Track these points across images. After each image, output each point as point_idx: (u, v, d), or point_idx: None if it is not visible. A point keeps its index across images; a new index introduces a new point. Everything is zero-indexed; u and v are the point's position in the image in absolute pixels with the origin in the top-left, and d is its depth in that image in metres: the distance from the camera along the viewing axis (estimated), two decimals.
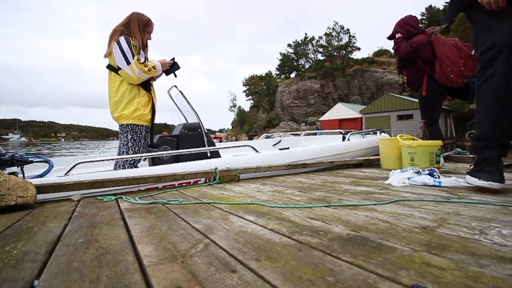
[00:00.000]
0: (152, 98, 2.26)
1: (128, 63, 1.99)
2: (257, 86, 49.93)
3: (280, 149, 2.48)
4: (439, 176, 1.58)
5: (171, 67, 2.40)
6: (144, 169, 1.86)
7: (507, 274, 0.49)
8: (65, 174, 1.61)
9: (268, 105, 43.93)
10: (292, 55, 48.85)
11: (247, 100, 53.56)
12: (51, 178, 1.57)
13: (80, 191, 1.48)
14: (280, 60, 50.40)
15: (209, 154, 2.46)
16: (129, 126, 2.15)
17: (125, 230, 0.85)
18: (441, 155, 2.29)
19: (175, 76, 2.47)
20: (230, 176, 1.86)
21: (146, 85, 2.22)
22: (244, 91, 53.25)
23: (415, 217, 0.88)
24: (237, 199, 1.28)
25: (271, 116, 41.24)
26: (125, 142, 2.17)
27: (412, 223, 0.82)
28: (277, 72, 51.01)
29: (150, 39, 2.29)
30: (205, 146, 2.54)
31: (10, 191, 1.17)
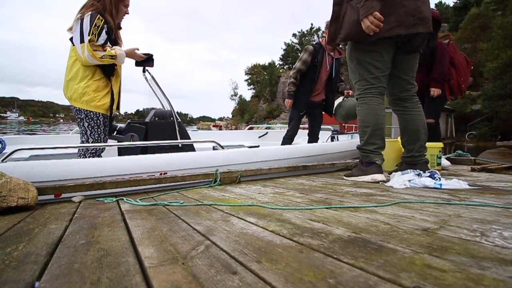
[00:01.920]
0: (111, 85, 2.04)
1: (82, 41, 1.81)
2: (260, 75, 49.50)
3: (249, 147, 2.37)
4: (440, 178, 1.58)
5: (145, 61, 2.27)
6: (108, 159, 1.74)
7: (508, 276, 0.49)
8: (2, 161, 1.51)
9: (270, 95, 43.58)
10: (297, 45, 48.37)
11: (248, 89, 53.33)
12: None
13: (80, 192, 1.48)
14: (284, 50, 49.93)
15: (179, 139, 2.33)
16: (83, 112, 1.96)
17: (126, 232, 0.85)
18: (442, 157, 2.29)
19: (144, 71, 2.33)
20: (231, 178, 1.86)
21: (107, 70, 2.00)
22: (246, 80, 52.89)
23: (416, 219, 0.88)
24: (238, 200, 1.28)
25: (272, 106, 41.04)
26: (83, 131, 2.00)
27: (413, 225, 0.82)
28: (280, 62, 50.49)
29: (127, 13, 2.09)
30: (176, 136, 2.43)
31: (11, 192, 1.17)
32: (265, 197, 1.34)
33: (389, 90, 1.93)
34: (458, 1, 33.72)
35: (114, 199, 1.40)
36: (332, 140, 3.35)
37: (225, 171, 1.85)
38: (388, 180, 1.71)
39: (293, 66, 3.22)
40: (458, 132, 21.81)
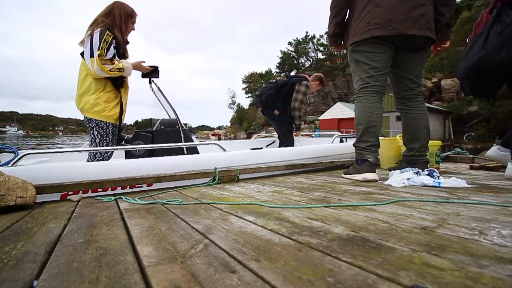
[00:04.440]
0: (120, 96, 2.16)
1: (92, 56, 1.92)
2: (257, 83, 49.94)
3: (252, 149, 2.40)
4: (438, 176, 1.58)
5: (151, 73, 2.35)
6: (113, 162, 1.80)
7: (506, 274, 0.49)
8: (12, 165, 1.57)
9: None
10: (293, 53, 48.98)
11: (246, 97, 53.62)
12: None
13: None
14: (280, 58, 50.49)
15: (185, 152, 2.38)
16: (94, 122, 2.06)
17: (125, 231, 0.85)
18: (440, 155, 2.30)
19: (150, 82, 2.41)
20: (230, 177, 1.86)
21: (117, 82, 2.12)
22: (244, 88, 53.27)
23: (414, 218, 0.89)
24: (237, 199, 1.28)
25: None
26: (92, 139, 2.10)
27: (411, 223, 0.82)
28: (277, 70, 51.07)
29: (133, 29, 2.23)
30: (182, 143, 2.48)
31: (10, 191, 1.17)
32: (264, 196, 1.34)
33: (393, 89, 1.97)
34: None
35: (113, 198, 1.40)
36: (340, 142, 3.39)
37: (224, 170, 1.85)
38: (380, 179, 1.73)
39: (296, 98, 3.31)
40: (456, 134, 21.88)
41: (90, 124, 2.09)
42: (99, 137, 2.09)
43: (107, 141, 2.12)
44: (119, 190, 1.60)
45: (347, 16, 1.92)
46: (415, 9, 1.66)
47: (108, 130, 2.10)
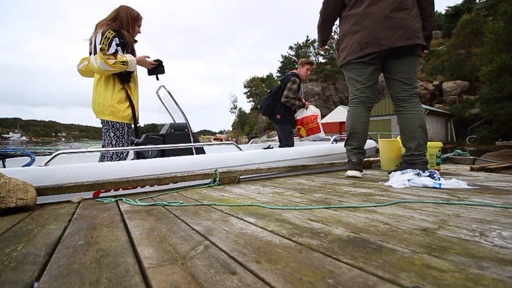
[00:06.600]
0: (129, 95, 2.16)
1: (95, 53, 1.94)
2: (258, 88, 50.15)
3: (264, 148, 2.50)
4: (439, 178, 1.58)
5: (156, 68, 2.29)
6: (140, 161, 1.88)
7: (507, 276, 0.49)
8: (45, 164, 1.60)
9: None
10: (294, 57, 49.13)
11: (248, 102, 53.71)
12: (31, 168, 1.55)
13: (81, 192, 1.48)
14: (281, 62, 50.67)
15: (194, 152, 2.45)
16: (110, 124, 2.09)
17: (125, 232, 0.85)
18: (440, 157, 2.30)
19: (157, 79, 2.36)
20: (230, 178, 1.86)
21: (124, 76, 2.11)
22: (245, 93, 53.42)
23: (415, 219, 0.88)
24: (237, 200, 1.28)
25: None
26: (108, 141, 2.11)
27: (412, 225, 0.82)
28: (278, 74, 51.26)
29: (140, 32, 2.25)
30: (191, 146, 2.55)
31: (10, 193, 1.17)
32: (265, 197, 1.34)
33: (390, 93, 2.10)
34: (449, 9, 34.51)
35: (113, 199, 1.40)
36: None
37: (225, 171, 1.85)
38: (380, 180, 1.78)
39: (286, 93, 3.45)
40: (459, 137, 21.84)
41: (106, 126, 2.11)
42: (116, 138, 2.10)
43: (123, 142, 2.14)
44: (121, 191, 1.62)
45: (332, 31, 2.25)
46: (398, 24, 1.83)
47: (123, 131, 2.13)
